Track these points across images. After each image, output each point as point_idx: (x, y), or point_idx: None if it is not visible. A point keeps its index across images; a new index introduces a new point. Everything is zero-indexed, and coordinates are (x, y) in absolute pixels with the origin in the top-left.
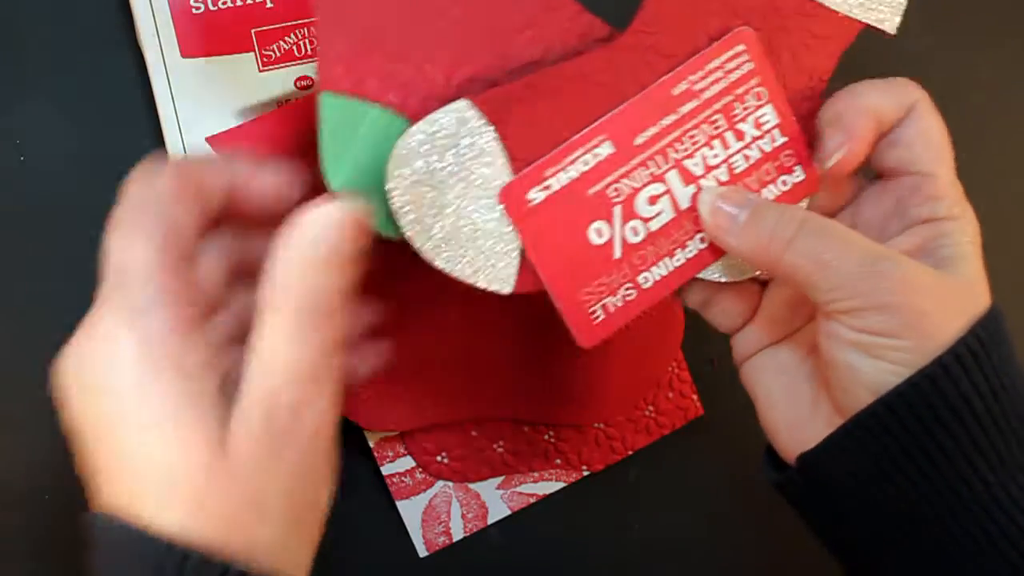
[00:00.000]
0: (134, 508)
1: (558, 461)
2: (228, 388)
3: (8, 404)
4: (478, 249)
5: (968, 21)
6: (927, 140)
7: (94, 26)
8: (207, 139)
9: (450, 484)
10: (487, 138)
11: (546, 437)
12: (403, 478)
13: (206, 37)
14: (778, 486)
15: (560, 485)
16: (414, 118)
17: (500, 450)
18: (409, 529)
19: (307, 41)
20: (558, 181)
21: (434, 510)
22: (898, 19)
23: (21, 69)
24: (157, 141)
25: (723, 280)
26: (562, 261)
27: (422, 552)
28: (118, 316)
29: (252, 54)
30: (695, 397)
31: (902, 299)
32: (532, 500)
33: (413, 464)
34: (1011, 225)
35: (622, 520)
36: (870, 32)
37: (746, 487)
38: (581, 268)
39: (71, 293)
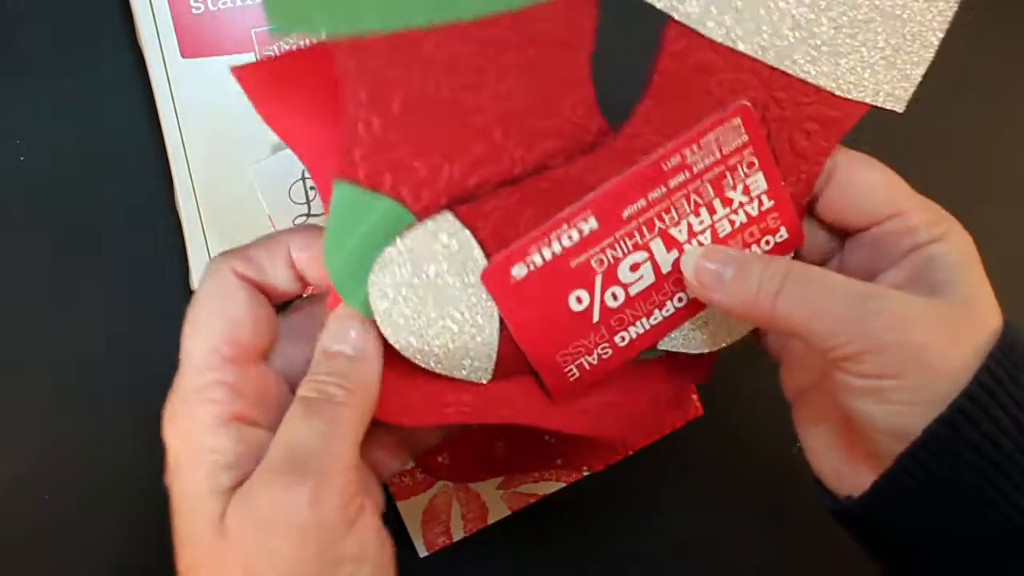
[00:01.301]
0: None
1: (558, 461)
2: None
3: (8, 404)
4: (457, 352)
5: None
6: (871, 190)
7: (94, 26)
8: (232, 69)
9: (450, 484)
10: (468, 245)
11: (547, 437)
12: (403, 478)
13: (206, 37)
14: (833, 514)
15: (560, 485)
16: (422, 215)
17: (500, 450)
18: (409, 529)
19: (307, 41)
20: (542, 257)
21: (434, 510)
22: (909, 94)
23: (21, 69)
24: (157, 141)
25: (705, 351)
26: (541, 329)
27: (422, 552)
28: (170, 404)
29: (252, 54)
30: (695, 397)
31: (897, 336)
32: (532, 500)
33: (413, 464)
34: (1011, 225)
35: (622, 520)
36: None
37: (746, 487)
38: (559, 333)
39: (71, 293)
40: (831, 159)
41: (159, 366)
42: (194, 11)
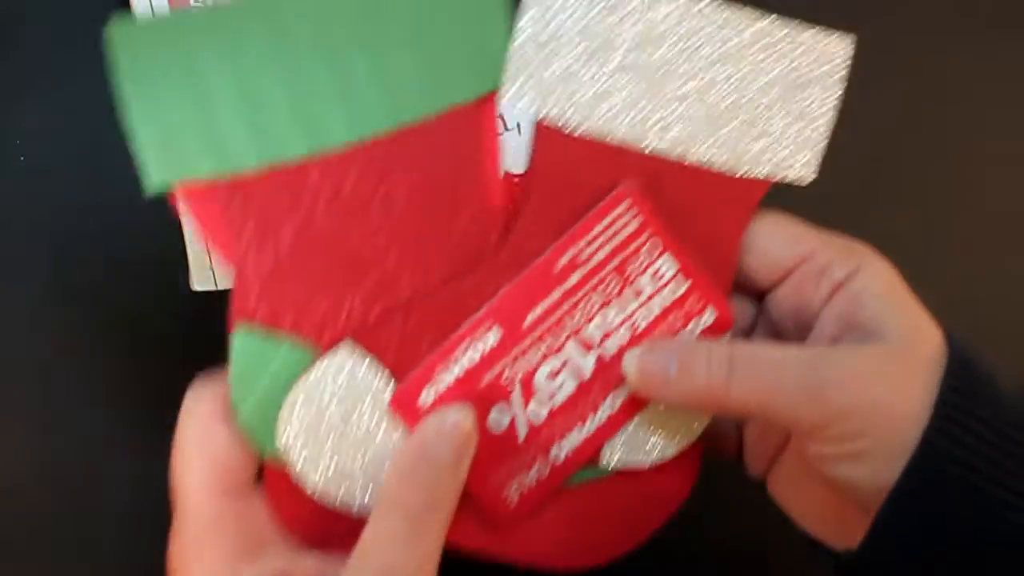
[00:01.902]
0: None
1: None
2: None
3: (8, 404)
4: (370, 477)
5: (967, 21)
6: (773, 240)
7: (94, 26)
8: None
9: None
10: (372, 375)
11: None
12: None
13: None
14: (838, 571)
15: None
16: (327, 348)
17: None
18: None
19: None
20: (448, 378)
21: None
22: (815, 162)
23: (21, 69)
24: None
25: (664, 457)
26: None
27: None
28: (179, 542)
29: None
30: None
31: (855, 397)
32: None
33: None
34: (1011, 225)
35: None
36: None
37: (745, 486)
38: (486, 458)
39: (71, 293)
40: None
41: (159, 366)
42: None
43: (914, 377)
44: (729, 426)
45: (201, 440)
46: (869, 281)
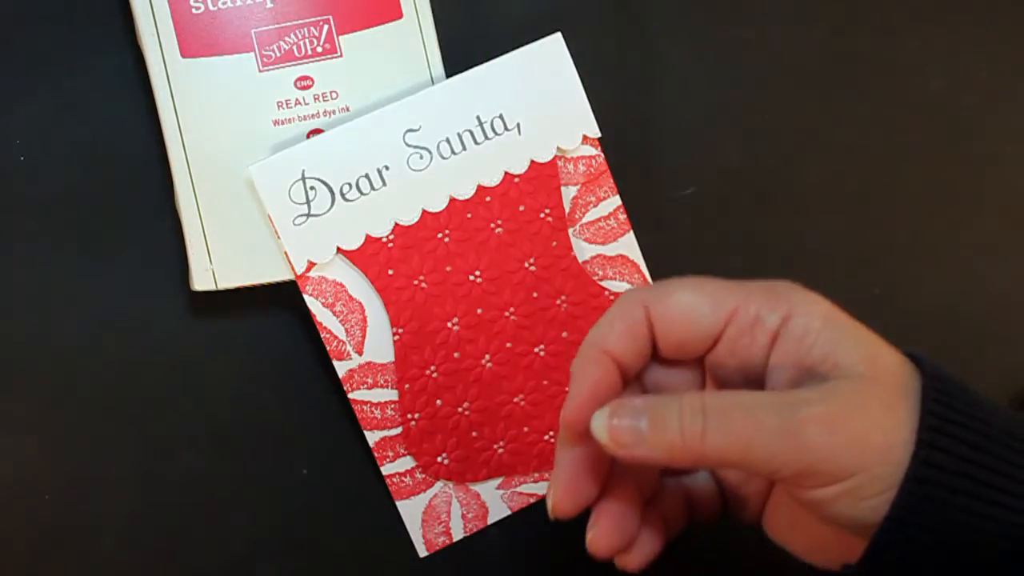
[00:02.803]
0: None
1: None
2: None
3: (8, 404)
4: None
5: (965, 21)
6: (693, 307)
7: (94, 26)
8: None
9: (450, 484)
10: None
11: (546, 437)
12: (403, 478)
13: (206, 37)
14: None
15: None
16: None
17: (500, 451)
18: (409, 529)
19: (307, 41)
20: None
21: (434, 510)
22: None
23: (21, 69)
24: (157, 141)
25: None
26: None
27: (422, 552)
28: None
29: (252, 54)
30: None
31: (838, 436)
32: (532, 500)
33: (413, 464)
34: (1012, 224)
35: None
36: (863, 37)
37: None
38: None
39: (71, 292)
40: (636, 301)
41: (159, 366)
42: (194, 11)
43: (890, 406)
44: (708, 485)
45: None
46: (807, 320)
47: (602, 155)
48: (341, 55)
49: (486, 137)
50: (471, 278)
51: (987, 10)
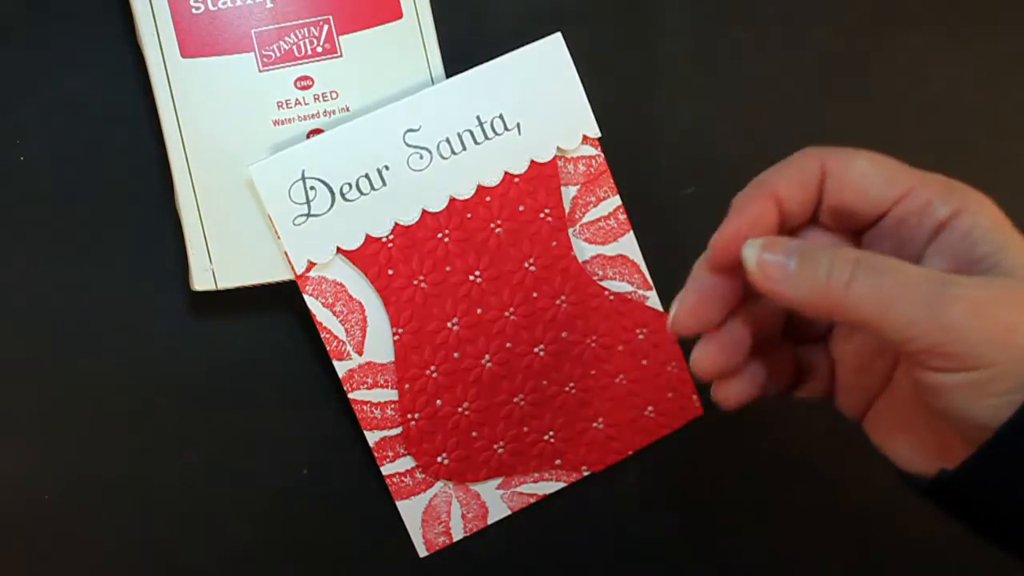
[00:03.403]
0: None
1: (558, 462)
2: None
3: (8, 404)
4: None
5: (965, 21)
6: (869, 177)
7: (94, 26)
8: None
9: (450, 484)
10: None
11: (546, 437)
12: (403, 478)
13: (206, 37)
14: (927, 493)
15: (560, 485)
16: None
17: (500, 450)
18: (409, 529)
19: (307, 41)
20: None
21: (434, 510)
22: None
23: (21, 69)
24: (157, 141)
25: None
26: None
27: (422, 552)
28: None
29: (252, 54)
30: (695, 397)
31: (982, 321)
32: (532, 500)
33: (413, 464)
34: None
35: (622, 520)
36: (863, 36)
37: (745, 487)
38: None
39: (71, 292)
40: (808, 158)
41: (159, 365)
42: (194, 11)
43: None
44: (822, 363)
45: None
46: (978, 219)
47: (602, 155)
48: (341, 55)
49: (486, 137)
50: (471, 278)
51: (987, 10)
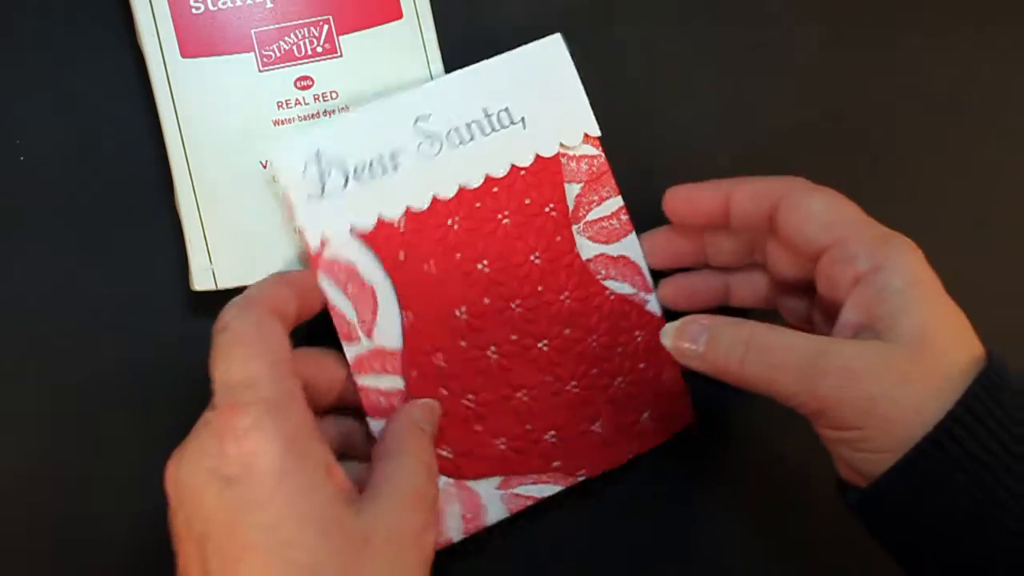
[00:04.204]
0: None
1: (556, 464)
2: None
3: (8, 404)
4: None
5: (966, 21)
6: (811, 217)
7: (94, 26)
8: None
9: (451, 482)
10: None
11: (547, 437)
12: None
13: (206, 37)
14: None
15: (559, 488)
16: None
17: (502, 447)
18: None
19: (307, 41)
20: None
21: None
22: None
23: (21, 69)
24: (157, 141)
25: None
26: None
27: None
28: (257, 411)
29: (252, 54)
30: (688, 403)
31: (846, 392)
32: (531, 503)
33: None
34: (1013, 225)
35: (620, 525)
36: (862, 36)
37: (743, 491)
38: None
39: (71, 293)
40: (784, 186)
41: (159, 366)
42: (194, 11)
43: (915, 380)
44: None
45: (261, 331)
46: (892, 278)
47: (603, 155)
48: (341, 55)
49: (493, 129)
50: (479, 267)
51: (988, 10)
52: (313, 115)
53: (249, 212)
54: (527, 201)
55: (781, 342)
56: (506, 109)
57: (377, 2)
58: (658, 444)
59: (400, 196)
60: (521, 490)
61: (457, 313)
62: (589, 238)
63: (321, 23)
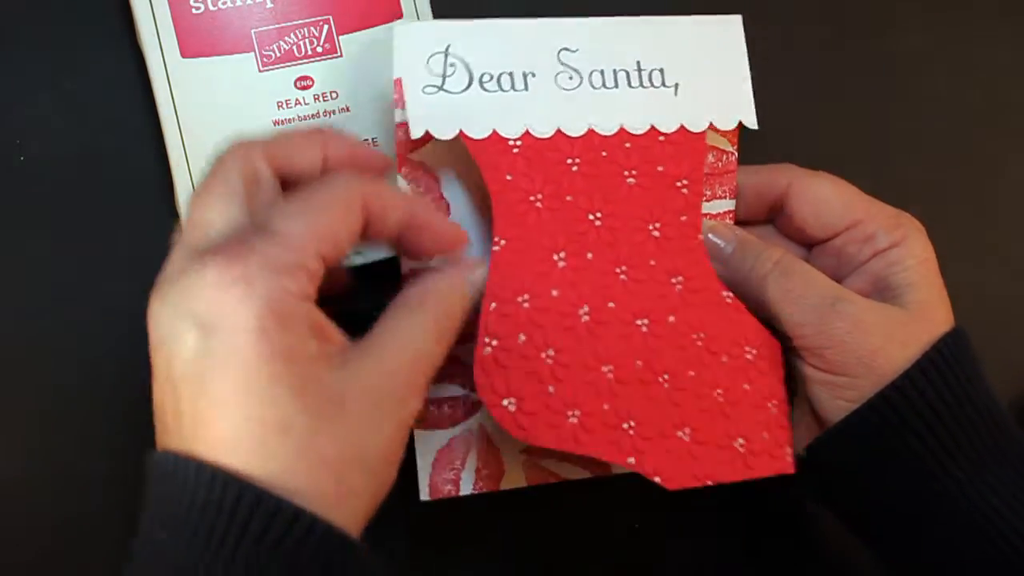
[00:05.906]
0: (228, 453)
1: (631, 460)
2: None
3: (8, 403)
4: None
5: (966, 21)
6: (827, 203)
7: (94, 26)
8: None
9: (474, 430)
10: None
11: (624, 425)
12: (439, 406)
13: (206, 37)
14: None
15: (586, 474)
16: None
17: (573, 419)
18: (419, 464)
19: (307, 41)
20: None
21: (450, 452)
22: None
23: (21, 69)
24: (157, 141)
25: None
26: None
27: (424, 495)
28: (259, 265)
29: (252, 54)
30: (788, 451)
31: (855, 339)
32: (552, 480)
33: (460, 393)
34: (1011, 225)
35: (626, 522)
36: (864, 37)
37: (743, 494)
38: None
39: (71, 292)
40: (787, 175)
41: None
42: (194, 11)
43: (912, 341)
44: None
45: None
46: (907, 253)
47: (736, 152)
48: (341, 55)
49: (641, 84)
50: (590, 217)
51: (988, 10)
52: (313, 115)
53: None
54: (660, 168)
55: (806, 275)
56: (660, 70)
57: (377, 2)
58: (747, 479)
59: (523, 116)
60: (546, 464)
61: (555, 257)
62: None
63: (321, 23)
